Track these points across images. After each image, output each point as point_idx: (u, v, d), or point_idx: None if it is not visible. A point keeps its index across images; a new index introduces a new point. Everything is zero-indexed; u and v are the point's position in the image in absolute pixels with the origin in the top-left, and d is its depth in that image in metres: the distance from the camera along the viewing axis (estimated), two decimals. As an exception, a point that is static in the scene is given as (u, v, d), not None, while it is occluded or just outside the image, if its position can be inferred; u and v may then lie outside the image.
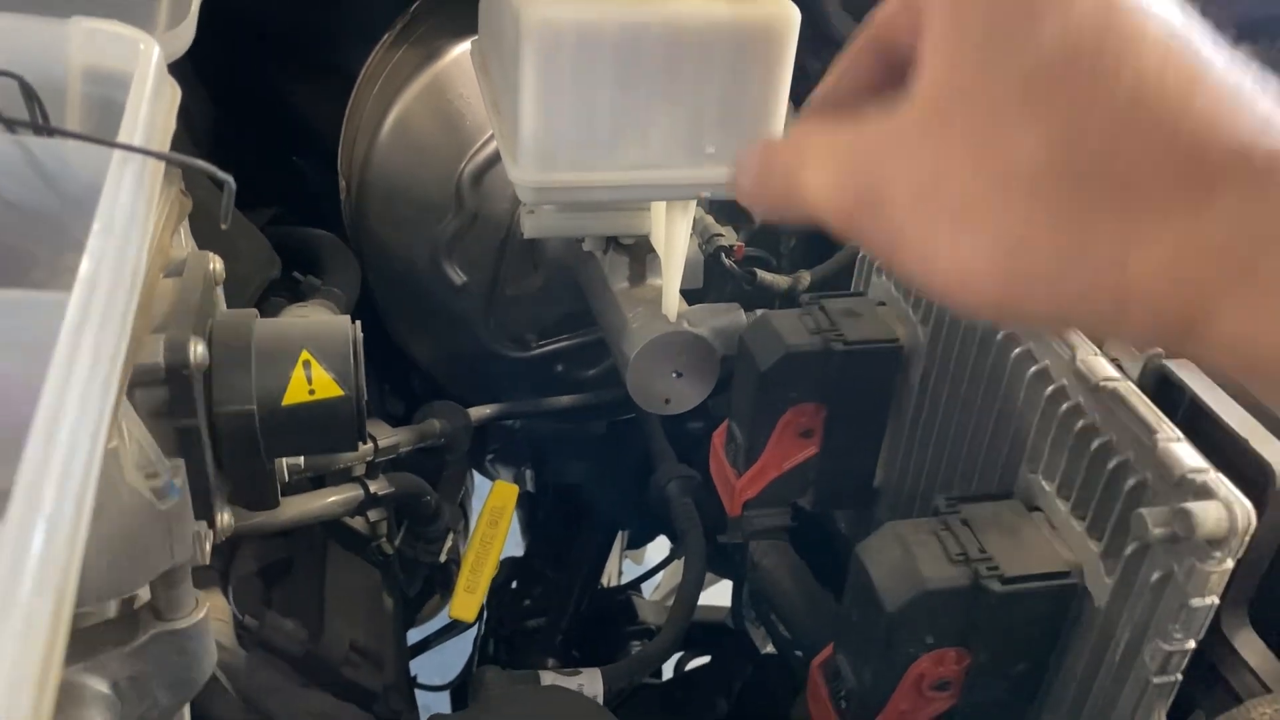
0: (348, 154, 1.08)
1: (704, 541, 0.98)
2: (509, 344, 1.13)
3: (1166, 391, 0.60)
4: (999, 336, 0.68)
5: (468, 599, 0.87)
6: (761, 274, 0.93)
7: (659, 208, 0.85)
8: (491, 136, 1.02)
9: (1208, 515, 0.51)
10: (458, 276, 1.07)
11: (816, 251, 1.06)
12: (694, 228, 0.92)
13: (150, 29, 0.53)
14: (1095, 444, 0.58)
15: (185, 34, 0.52)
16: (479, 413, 1.08)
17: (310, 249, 1.00)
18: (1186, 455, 0.54)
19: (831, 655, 0.66)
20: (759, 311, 0.86)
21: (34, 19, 0.47)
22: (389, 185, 1.04)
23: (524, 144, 0.71)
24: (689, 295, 0.92)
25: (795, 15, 0.69)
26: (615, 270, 0.93)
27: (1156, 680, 0.56)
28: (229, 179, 0.44)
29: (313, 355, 0.55)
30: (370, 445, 0.88)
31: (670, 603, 1.04)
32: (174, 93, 0.47)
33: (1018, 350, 0.66)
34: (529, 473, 1.54)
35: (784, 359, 0.75)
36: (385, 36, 1.07)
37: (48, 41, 0.47)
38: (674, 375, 0.88)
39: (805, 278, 0.95)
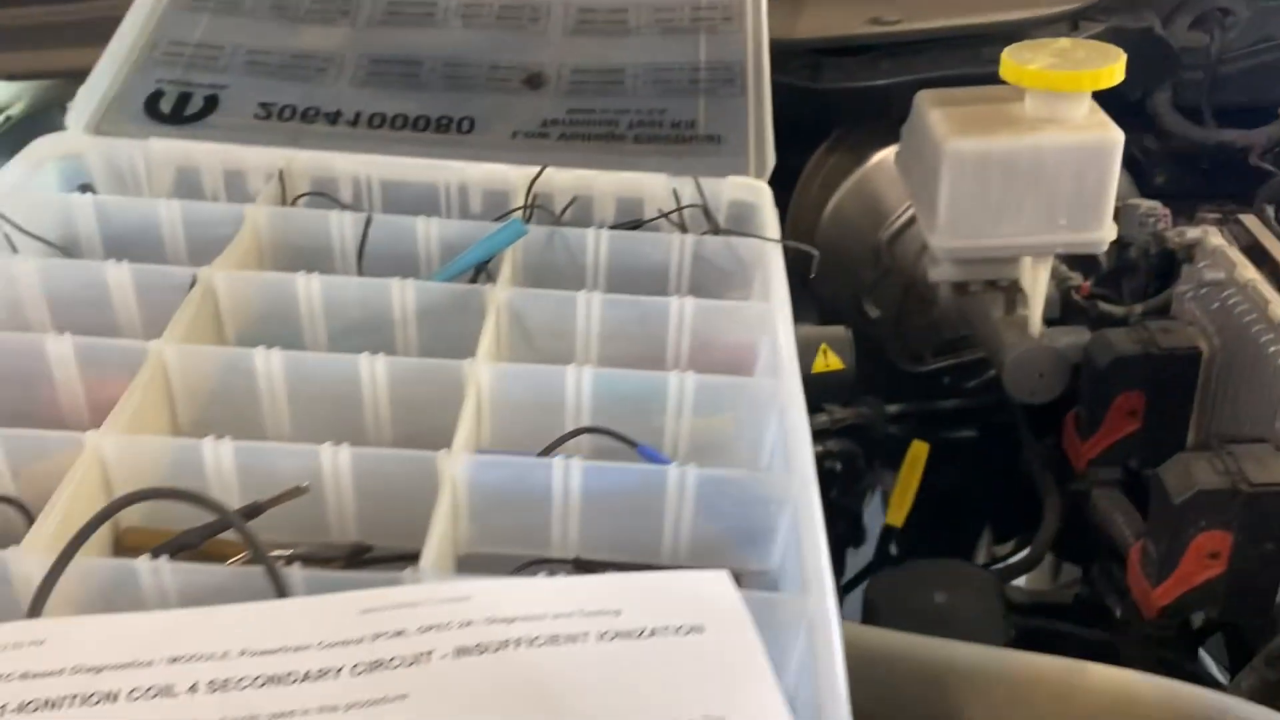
0: (795, 228, 1.55)
1: (1060, 499, 1.33)
2: (910, 361, 1.55)
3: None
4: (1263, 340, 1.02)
5: (898, 513, 1.31)
6: (1101, 305, 1.29)
7: (1026, 259, 1.24)
8: (900, 214, 1.45)
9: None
10: (874, 311, 1.51)
11: (1151, 291, 1.39)
12: (1052, 273, 1.30)
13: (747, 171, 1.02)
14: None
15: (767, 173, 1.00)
16: (890, 407, 1.50)
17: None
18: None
19: (1142, 543, 1.03)
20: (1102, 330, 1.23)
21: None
22: (828, 251, 1.50)
23: (939, 224, 1.14)
24: (1047, 322, 1.29)
25: (1119, 138, 1.08)
26: (993, 304, 1.32)
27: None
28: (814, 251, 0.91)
29: (828, 346, 1.00)
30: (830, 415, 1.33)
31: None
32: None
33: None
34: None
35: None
36: (823, 144, 1.53)
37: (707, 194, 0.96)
38: (1038, 375, 1.26)
39: (1136, 308, 1.30)
